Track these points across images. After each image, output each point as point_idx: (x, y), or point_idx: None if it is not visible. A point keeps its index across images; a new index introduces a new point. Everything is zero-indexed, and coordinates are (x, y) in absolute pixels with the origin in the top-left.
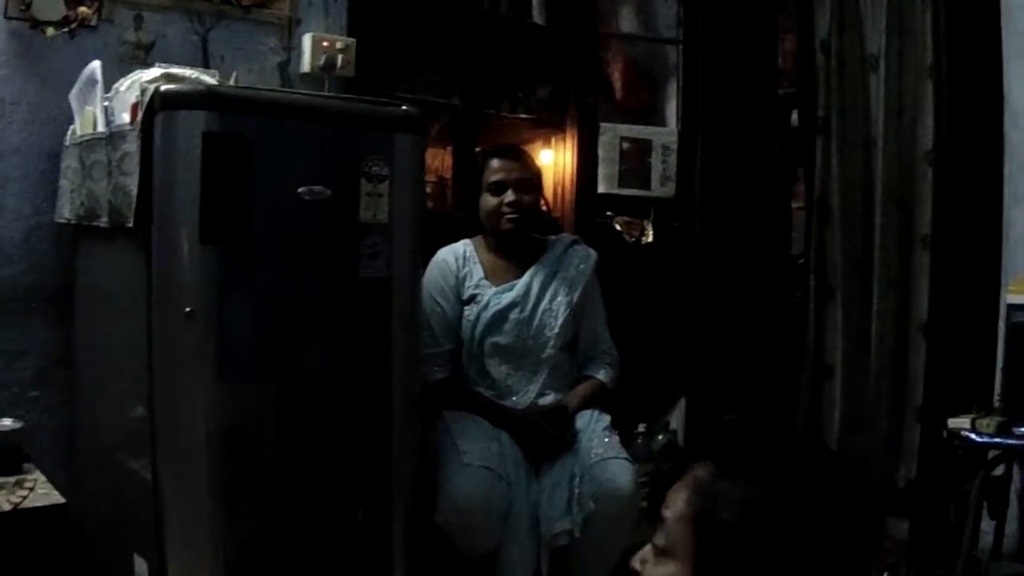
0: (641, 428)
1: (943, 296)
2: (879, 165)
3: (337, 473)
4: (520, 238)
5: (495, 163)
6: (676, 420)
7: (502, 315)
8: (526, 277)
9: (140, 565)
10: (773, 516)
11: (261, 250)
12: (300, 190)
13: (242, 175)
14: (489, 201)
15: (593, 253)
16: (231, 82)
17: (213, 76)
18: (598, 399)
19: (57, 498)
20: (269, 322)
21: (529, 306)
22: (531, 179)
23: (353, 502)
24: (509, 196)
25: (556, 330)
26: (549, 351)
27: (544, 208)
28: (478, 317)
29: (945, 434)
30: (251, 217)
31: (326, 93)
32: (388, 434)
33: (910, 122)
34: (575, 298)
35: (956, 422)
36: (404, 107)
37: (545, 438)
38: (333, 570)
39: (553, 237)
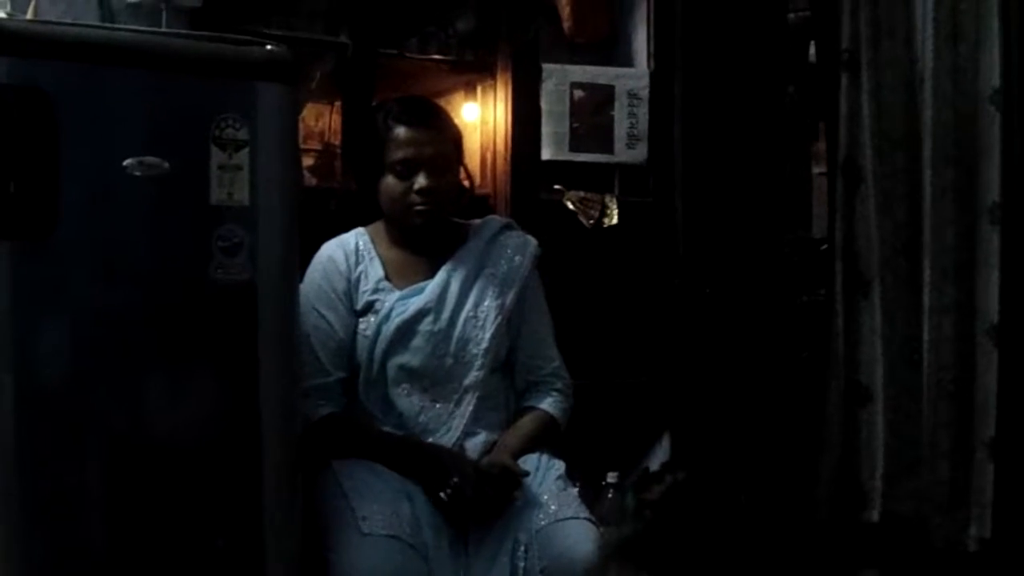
0: (611, 478)
1: (1020, 288)
2: (927, 112)
3: (190, 552)
4: (434, 228)
5: (401, 133)
6: (658, 465)
7: (409, 327)
8: (441, 275)
9: None
10: None
11: (73, 247)
12: (126, 163)
13: (43, 144)
14: (393, 186)
15: (532, 241)
16: (28, 15)
17: (2, 7)
18: (546, 438)
19: None
20: (86, 347)
21: (446, 314)
22: (450, 154)
23: None
24: (421, 181)
25: (484, 345)
26: (475, 374)
27: (466, 184)
28: (378, 331)
29: None
30: (58, 201)
31: (161, 29)
32: (258, 497)
33: (969, 51)
34: (508, 301)
35: None
36: (270, 46)
37: (482, 497)
38: None
39: (478, 221)
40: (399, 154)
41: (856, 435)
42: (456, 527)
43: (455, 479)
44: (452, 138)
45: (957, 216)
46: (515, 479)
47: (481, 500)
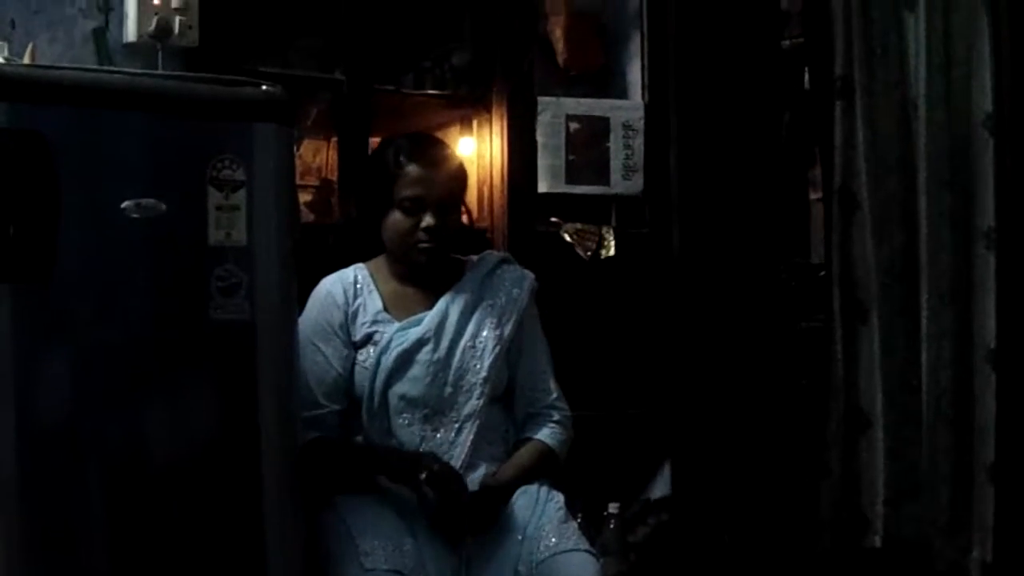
0: (612, 508)
1: (1017, 311)
2: (921, 137)
3: None
4: (433, 265)
5: (412, 171)
6: (659, 496)
7: (409, 357)
8: (440, 305)
9: None
10: None
11: (72, 288)
12: (124, 205)
13: (42, 187)
14: (400, 222)
15: (529, 274)
16: (26, 58)
17: (0, 50)
18: (543, 469)
19: None
20: (86, 387)
21: (444, 343)
22: (457, 194)
23: None
24: (428, 219)
25: (483, 374)
26: (474, 403)
27: (466, 221)
28: (378, 362)
29: None
30: (56, 243)
31: (158, 71)
32: (259, 530)
33: (962, 76)
34: (506, 332)
35: None
36: (265, 86)
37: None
38: None
39: (475, 257)
40: (409, 192)
41: (856, 461)
42: (451, 539)
43: (435, 466)
44: (460, 178)
45: (953, 241)
46: (495, 496)
47: (462, 501)
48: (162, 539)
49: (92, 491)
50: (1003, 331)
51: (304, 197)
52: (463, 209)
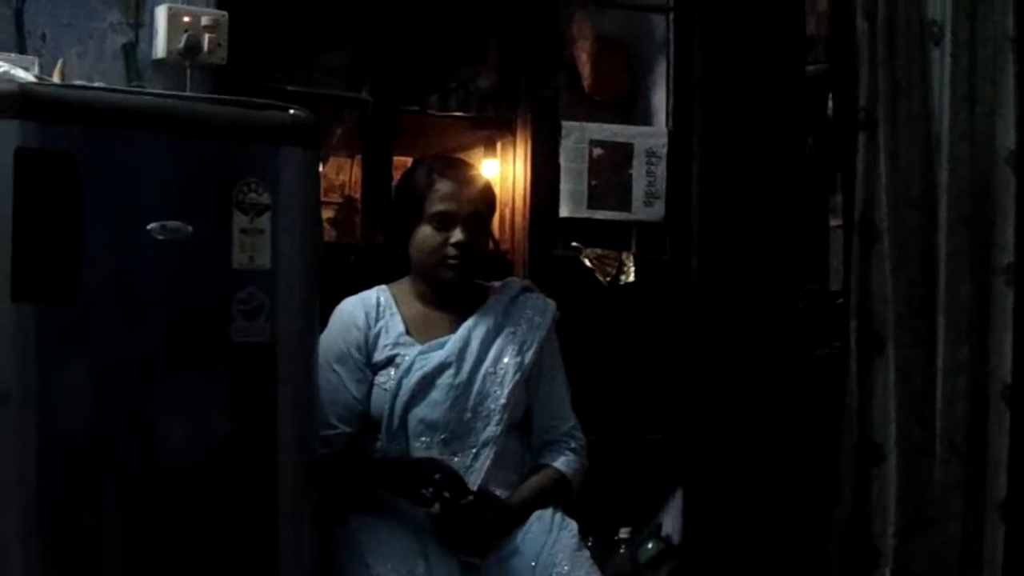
0: (623, 533)
1: None
2: (943, 171)
3: None
4: (460, 286)
5: (444, 186)
6: (670, 522)
7: (430, 380)
8: (462, 331)
9: None
10: None
11: (97, 309)
12: (150, 227)
13: (69, 207)
14: (429, 237)
15: (551, 303)
16: (55, 76)
17: (30, 66)
18: (556, 495)
19: None
20: (109, 405)
21: (466, 368)
22: (486, 215)
23: None
24: (457, 235)
25: (502, 400)
26: (492, 429)
27: (491, 245)
28: (399, 384)
29: None
30: (82, 264)
31: (187, 93)
32: (273, 547)
33: (986, 112)
34: (527, 360)
35: None
36: (293, 110)
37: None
38: None
39: (498, 284)
40: (440, 207)
41: (868, 492)
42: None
43: (437, 476)
44: (489, 197)
45: (972, 276)
46: (507, 515)
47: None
48: (178, 554)
49: (111, 505)
50: (1019, 368)
51: (327, 214)
52: (491, 234)
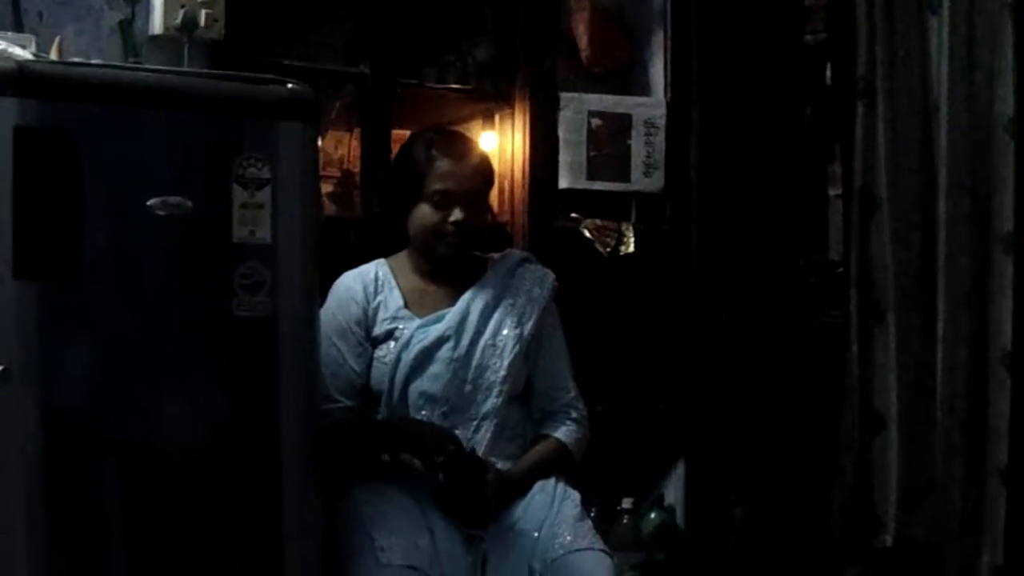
0: (626, 504)
1: None
2: (942, 140)
3: (209, 574)
4: (458, 260)
5: (444, 165)
6: (673, 492)
7: (429, 353)
8: (460, 304)
9: None
10: None
11: (98, 285)
12: (150, 202)
13: (69, 184)
14: (428, 215)
15: (550, 274)
16: (53, 53)
17: (27, 44)
18: (557, 465)
19: None
20: (111, 382)
21: (465, 341)
22: (485, 193)
23: None
24: (457, 214)
25: (502, 372)
26: (493, 401)
27: (490, 219)
28: (398, 358)
29: None
30: (83, 241)
31: (185, 68)
32: (277, 521)
33: (985, 80)
34: (526, 331)
35: None
36: (291, 85)
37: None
38: None
39: (496, 255)
40: (439, 185)
41: (870, 461)
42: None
43: (450, 446)
44: (488, 175)
45: (971, 245)
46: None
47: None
48: (181, 529)
49: (113, 481)
50: (1019, 335)
51: (325, 188)
52: (488, 206)
